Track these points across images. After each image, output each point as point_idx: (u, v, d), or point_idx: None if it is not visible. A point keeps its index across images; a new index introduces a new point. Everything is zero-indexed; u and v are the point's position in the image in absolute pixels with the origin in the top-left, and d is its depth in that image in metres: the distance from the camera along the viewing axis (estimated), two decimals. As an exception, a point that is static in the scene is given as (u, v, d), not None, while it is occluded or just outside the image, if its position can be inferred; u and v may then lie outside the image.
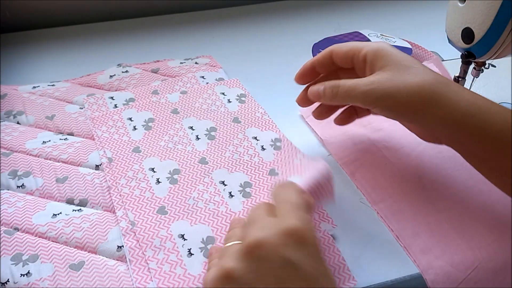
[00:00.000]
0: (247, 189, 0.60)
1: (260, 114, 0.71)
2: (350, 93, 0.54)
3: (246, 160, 0.64)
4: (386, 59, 0.54)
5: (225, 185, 0.60)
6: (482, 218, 0.56)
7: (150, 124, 0.69)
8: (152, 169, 0.63)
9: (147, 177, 0.61)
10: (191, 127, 0.68)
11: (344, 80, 0.55)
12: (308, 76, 0.62)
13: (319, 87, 0.57)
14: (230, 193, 0.59)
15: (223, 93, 0.75)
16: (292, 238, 0.41)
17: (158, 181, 0.61)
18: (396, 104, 0.52)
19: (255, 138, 0.67)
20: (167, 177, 0.62)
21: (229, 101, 0.74)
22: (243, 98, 0.74)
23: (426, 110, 0.51)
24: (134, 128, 0.67)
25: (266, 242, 0.41)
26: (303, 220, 0.43)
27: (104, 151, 0.65)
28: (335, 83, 0.56)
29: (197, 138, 0.67)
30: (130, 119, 0.70)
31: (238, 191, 0.60)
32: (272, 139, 0.67)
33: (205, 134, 0.67)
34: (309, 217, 0.45)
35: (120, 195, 0.59)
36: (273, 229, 0.42)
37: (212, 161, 0.64)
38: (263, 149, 0.65)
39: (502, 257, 0.53)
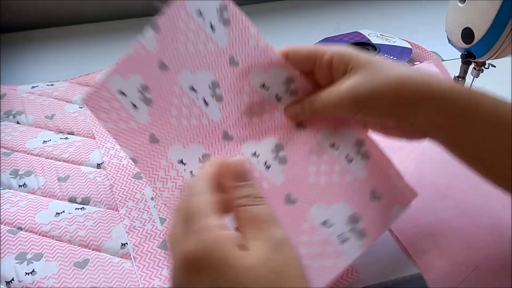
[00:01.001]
0: (281, 153, 0.52)
1: (254, 41, 0.53)
2: (329, 104, 0.50)
3: (267, 121, 0.53)
4: (354, 61, 0.49)
5: (257, 156, 0.52)
6: (482, 218, 0.56)
7: (147, 95, 0.52)
8: (181, 161, 0.52)
9: (181, 173, 0.51)
10: (192, 88, 0.53)
11: (318, 93, 0.51)
12: None
13: (295, 107, 0.52)
14: (265, 163, 0.52)
15: (199, 14, 0.53)
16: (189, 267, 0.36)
17: (191, 174, 0.51)
18: (382, 104, 0.47)
19: (263, 86, 0.54)
20: (199, 167, 0.51)
21: (212, 27, 0.53)
22: (225, 16, 0.53)
23: (415, 103, 0.46)
24: (134, 106, 0.52)
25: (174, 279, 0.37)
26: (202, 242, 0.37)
27: (121, 151, 0.64)
28: (309, 98, 0.51)
29: (206, 103, 0.53)
30: (123, 93, 0.53)
31: (273, 158, 0.52)
32: (282, 80, 0.53)
33: (211, 96, 0.53)
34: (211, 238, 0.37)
35: (163, 200, 0.51)
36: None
37: (235, 133, 0.53)
38: (278, 99, 0.53)
39: (502, 257, 0.53)
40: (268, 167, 0.51)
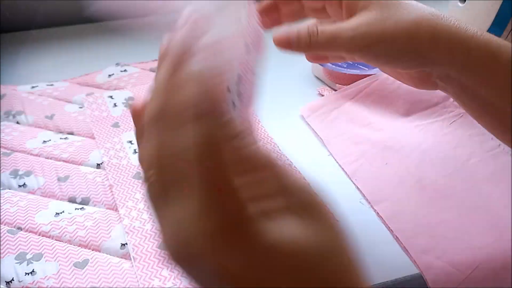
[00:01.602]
0: None
1: None
2: (332, 41, 0.45)
3: None
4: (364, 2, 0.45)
5: None
6: (482, 218, 0.56)
7: None
8: None
9: None
10: None
11: (322, 25, 0.46)
12: (270, 15, 0.50)
13: (291, 30, 0.46)
14: None
15: None
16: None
17: None
18: (391, 48, 0.44)
19: None
20: None
21: None
22: None
23: (428, 49, 0.44)
24: None
25: None
26: None
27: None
28: (312, 27, 0.46)
29: None
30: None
31: None
32: None
33: None
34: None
35: None
36: None
37: None
38: None
39: (502, 257, 0.53)
40: None
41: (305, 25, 0.46)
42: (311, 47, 0.46)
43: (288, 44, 0.46)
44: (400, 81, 0.51)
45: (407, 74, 0.50)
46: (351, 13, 0.45)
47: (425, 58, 0.44)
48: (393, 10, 0.44)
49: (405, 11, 0.44)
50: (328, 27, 0.45)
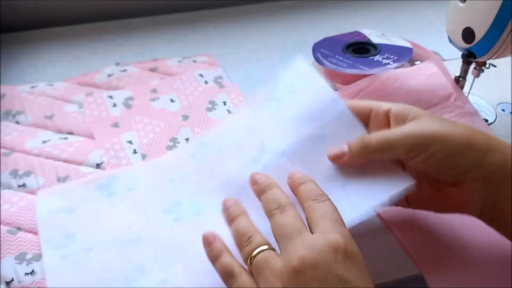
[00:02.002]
0: None
1: None
2: (386, 142, 0.48)
3: None
4: (417, 111, 0.49)
5: None
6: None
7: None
8: None
9: None
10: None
11: (368, 135, 0.50)
12: None
13: (340, 146, 0.51)
14: None
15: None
16: (340, 254, 0.39)
17: None
18: (448, 150, 0.46)
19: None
20: None
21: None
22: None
23: (483, 156, 0.46)
24: None
25: (320, 261, 0.39)
26: (344, 234, 0.41)
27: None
28: (362, 135, 0.50)
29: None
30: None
31: None
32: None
33: None
34: (348, 231, 0.42)
35: None
36: (319, 247, 0.39)
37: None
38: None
39: (502, 257, 0.53)
40: None
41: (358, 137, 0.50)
42: (363, 152, 0.49)
43: (341, 155, 0.51)
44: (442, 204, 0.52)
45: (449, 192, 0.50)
46: (399, 124, 0.50)
47: (479, 162, 0.46)
48: (442, 121, 0.48)
49: (452, 123, 0.48)
50: (375, 134, 0.49)
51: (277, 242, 0.42)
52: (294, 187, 0.47)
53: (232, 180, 0.55)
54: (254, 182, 0.49)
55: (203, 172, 0.59)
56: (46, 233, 0.54)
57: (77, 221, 0.55)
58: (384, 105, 0.51)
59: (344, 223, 0.43)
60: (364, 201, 0.49)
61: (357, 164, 0.51)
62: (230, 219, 0.47)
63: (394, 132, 0.48)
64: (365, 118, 0.53)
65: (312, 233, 0.41)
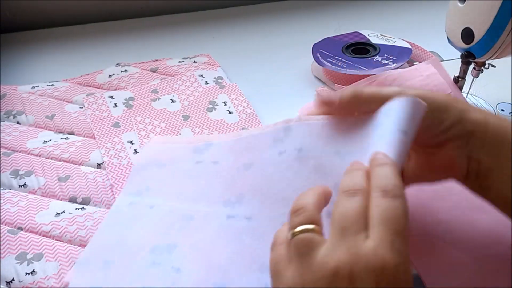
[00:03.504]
0: None
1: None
2: (378, 95, 0.47)
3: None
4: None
5: None
6: (481, 219, 0.56)
7: None
8: None
9: None
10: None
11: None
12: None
13: (331, 92, 0.51)
14: None
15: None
16: (384, 282, 0.35)
17: None
18: (434, 106, 0.46)
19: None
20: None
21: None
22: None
23: (463, 112, 0.47)
24: None
25: (357, 279, 0.35)
26: (401, 254, 0.36)
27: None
28: (356, 87, 0.50)
29: None
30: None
31: None
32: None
33: None
34: (407, 251, 0.37)
35: None
36: (363, 263, 0.35)
37: None
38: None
39: (502, 258, 0.53)
40: None
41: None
42: (353, 102, 0.48)
43: (331, 101, 0.50)
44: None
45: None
46: None
47: (461, 117, 0.47)
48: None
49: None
50: (368, 87, 0.49)
51: (330, 226, 0.39)
52: (370, 169, 0.42)
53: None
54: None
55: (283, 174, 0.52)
56: (131, 179, 0.59)
57: (158, 177, 0.58)
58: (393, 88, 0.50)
59: (407, 236, 0.37)
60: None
61: (345, 114, 0.50)
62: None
63: (387, 88, 0.48)
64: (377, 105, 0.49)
65: (367, 235, 0.37)
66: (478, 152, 0.47)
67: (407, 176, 0.51)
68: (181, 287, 0.48)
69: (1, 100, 0.75)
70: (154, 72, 0.83)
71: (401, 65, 0.75)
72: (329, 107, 0.50)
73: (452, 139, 0.47)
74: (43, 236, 0.55)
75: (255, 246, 0.50)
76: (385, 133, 0.44)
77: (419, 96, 0.46)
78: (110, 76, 0.82)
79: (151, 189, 0.57)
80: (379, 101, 0.47)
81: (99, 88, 0.80)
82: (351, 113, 0.50)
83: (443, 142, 0.48)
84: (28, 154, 0.66)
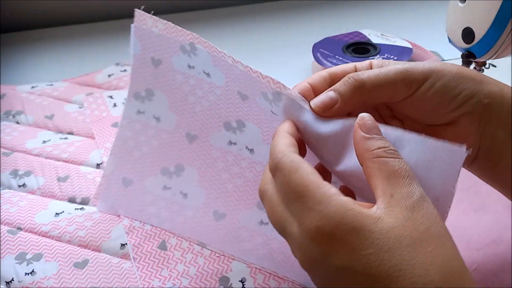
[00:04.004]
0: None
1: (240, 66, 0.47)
2: (384, 78, 0.42)
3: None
4: (397, 62, 0.45)
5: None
6: (481, 219, 0.56)
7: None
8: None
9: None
10: (230, 142, 0.54)
11: (355, 74, 0.43)
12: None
13: (327, 91, 0.43)
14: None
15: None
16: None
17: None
18: (445, 80, 0.42)
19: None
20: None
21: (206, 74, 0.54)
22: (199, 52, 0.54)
23: (478, 84, 0.42)
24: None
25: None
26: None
27: None
28: (353, 73, 0.43)
29: (250, 151, 0.53)
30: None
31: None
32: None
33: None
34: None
35: None
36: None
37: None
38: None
39: (502, 258, 0.53)
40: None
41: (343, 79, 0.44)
42: (357, 91, 0.43)
43: (332, 102, 0.43)
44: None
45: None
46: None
47: (475, 91, 0.42)
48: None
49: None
50: (371, 71, 0.43)
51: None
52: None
53: None
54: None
55: None
56: (134, 75, 0.53)
57: (157, 78, 0.53)
58: (366, 61, 0.46)
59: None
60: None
61: (349, 111, 0.44)
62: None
63: (388, 69, 0.42)
64: None
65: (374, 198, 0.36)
66: (493, 127, 0.43)
67: None
68: (184, 215, 0.54)
69: (0, 100, 0.75)
70: (153, 72, 0.83)
71: (401, 65, 0.75)
72: (330, 110, 0.43)
73: (464, 115, 0.43)
74: (43, 236, 0.55)
75: (256, 182, 0.51)
76: None
77: (429, 70, 0.42)
78: (109, 75, 0.81)
79: (154, 94, 0.53)
80: (388, 88, 0.42)
81: (98, 88, 0.79)
82: (358, 107, 0.44)
83: (454, 118, 0.43)
84: (28, 154, 0.66)
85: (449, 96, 0.42)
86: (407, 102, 0.43)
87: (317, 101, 0.43)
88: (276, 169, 0.38)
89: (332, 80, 0.45)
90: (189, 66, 0.51)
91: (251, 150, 0.51)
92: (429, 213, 0.35)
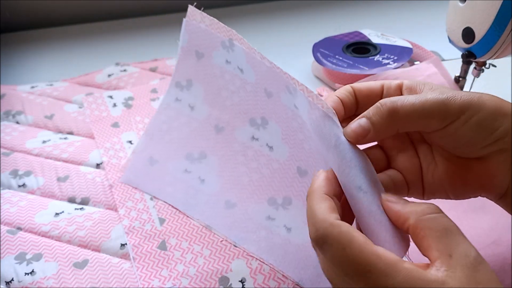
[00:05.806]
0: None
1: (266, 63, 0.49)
2: (421, 108, 0.40)
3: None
4: (432, 83, 0.43)
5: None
6: (481, 220, 0.56)
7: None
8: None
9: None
10: (253, 137, 0.56)
11: (386, 103, 0.41)
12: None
13: (359, 120, 0.41)
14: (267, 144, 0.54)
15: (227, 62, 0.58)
16: None
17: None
18: (482, 115, 0.40)
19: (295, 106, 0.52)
20: None
21: (240, 70, 0.56)
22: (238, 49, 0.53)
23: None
24: None
25: None
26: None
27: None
28: (386, 100, 0.41)
29: (270, 148, 0.55)
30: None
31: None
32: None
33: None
34: None
35: None
36: None
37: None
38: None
39: (502, 258, 0.53)
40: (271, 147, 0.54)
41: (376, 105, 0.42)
42: (391, 119, 0.41)
43: (365, 131, 0.41)
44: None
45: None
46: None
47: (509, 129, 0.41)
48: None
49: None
50: (405, 98, 0.41)
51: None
52: None
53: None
54: None
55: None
56: (179, 65, 0.57)
57: (198, 71, 0.56)
58: (395, 81, 0.45)
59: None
60: None
61: (382, 138, 0.44)
62: None
63: (425, 98, 0.40)
64: (376, 96, 0.45)
65: None
66: None
67: (429, 187, 0.45)
68: (197, 199, 0.57)
69: (0, 100, 0.75)
70: (153, 71, 0.83)
71: (402, 64, 0.75)
72: (363, 138, 0.41)
73: (496, 152, 0.41)
74: (42, 236, 0.55)
75: (271, 179, 0.54)
76: None
77: (467, 103, 0.40)
78: (109, 75, 0.81)
79: (193, 84, 0.57)
80: (423, 120, 0.41)
81: (98, 87, 0.79)
82: (391, 135, 0.43)
83: (485, 154, 0.42)
84: (27, 154, 0.66)
85: (483, 134, 0.40)
86: (438, 133, 0.42)
87: (349, 130, 0.41)
88: (323, 242, 0.36)
89: (357, 97, 0.45)
90: (227, 61, 0.53)
91: (271, 148, 0.53)
92: (489, 272, 0.34)
